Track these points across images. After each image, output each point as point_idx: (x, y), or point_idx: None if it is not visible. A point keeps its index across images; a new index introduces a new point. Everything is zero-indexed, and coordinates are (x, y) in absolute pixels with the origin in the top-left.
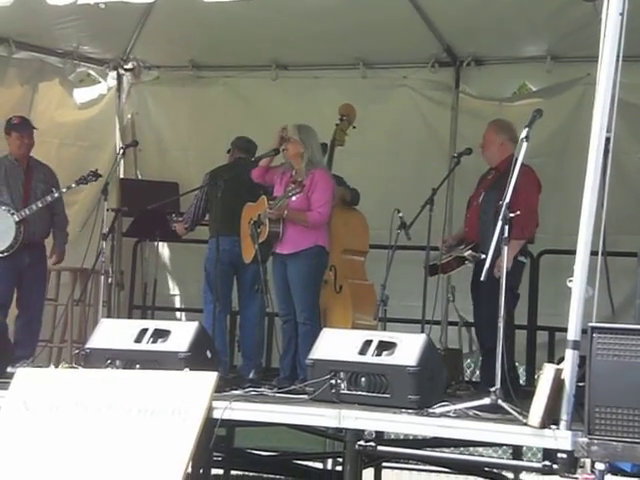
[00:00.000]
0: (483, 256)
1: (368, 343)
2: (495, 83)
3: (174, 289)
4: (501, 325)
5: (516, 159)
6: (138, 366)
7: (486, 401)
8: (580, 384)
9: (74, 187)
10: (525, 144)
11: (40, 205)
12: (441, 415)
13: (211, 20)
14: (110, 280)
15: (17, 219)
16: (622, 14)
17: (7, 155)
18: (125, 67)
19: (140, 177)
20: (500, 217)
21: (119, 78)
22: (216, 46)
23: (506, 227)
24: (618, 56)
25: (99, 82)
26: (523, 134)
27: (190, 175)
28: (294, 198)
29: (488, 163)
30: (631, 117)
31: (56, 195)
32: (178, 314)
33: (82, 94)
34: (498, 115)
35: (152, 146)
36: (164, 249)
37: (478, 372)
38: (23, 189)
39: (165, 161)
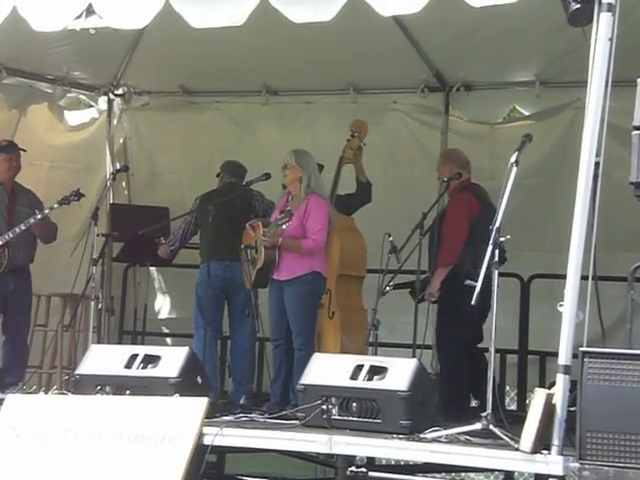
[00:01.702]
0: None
1: (359, 368)
2: (485, 107)
3: (165, 314)
4: (492, 350)
5: (505, 184)
6: (128, 392)
7: (477, 426)
8: (571, 409)
9: (56, 207)
10: (515, 168)
11: (23, 227)
12: (432, 440)
13: (201, 46)
14: (100, 305)
15: (0, 243)
16: (611, 39)
17: None
18: (116, 93)
19: (132, 201)
20: (490, 241)
21: (110, 103)
22: (206, 71)
23: (496, 252)
24: (607, 81)
25: (90, 106)
26: (512, 159)
27: (183, 199)
28: (284, 227)
29: (448, 193)
30: (623, 140)
31: (39, 217)
32: (169, 339)
33: (73, 117)
34: (490, 137)
35: (144, 170)
36: (154, 274)
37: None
38: (7, 213)
39: (157, 185)
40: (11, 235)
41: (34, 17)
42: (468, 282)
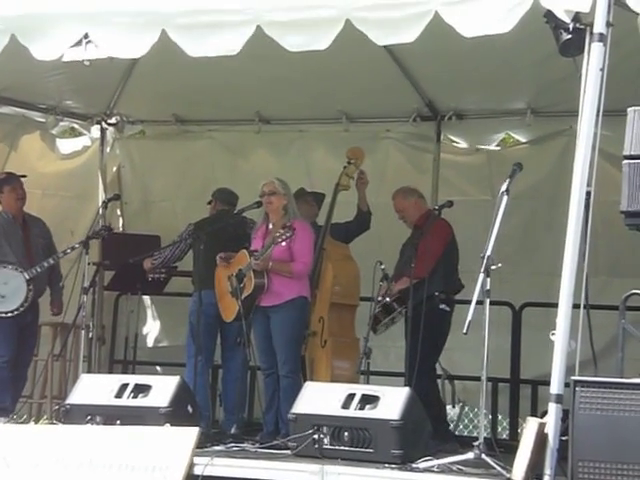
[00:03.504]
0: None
1: (351, 397)
2: (478, 135)
3: (156, 342)
4: (484, 378)
5: (497, 212)
6: (119, 422)
7: (470, 455)
8: (563, 438)
9: (82, 242)
10: (505, 197)
11: (52, 262)
12: (425, 470)
13: (194, 75)
14: (91, 335)
15: (27, 277)
16: (602, 69)
17: (0, 212)
18: (108, 122)
19: (126, 229)
20: (482, 269)
21: (102, 132)
22: (199, 100)
23: (488, 280)
24: (598, 111)
25: (83, 134)
26: (503, 187)
27: (177, 226)
28: (284, 244)
29: (410, 226)
30: (616, 166)
31: (68, 251)
32: (159, 368)
33: (66, 145)
34: (484, 164)
35: (138, 198)
36: (146, 302)
37: (461, 425)
38: (24, 246)
39: (151, 213)
40: (39, 269)
41: (33, 45)
42: (442, 306)
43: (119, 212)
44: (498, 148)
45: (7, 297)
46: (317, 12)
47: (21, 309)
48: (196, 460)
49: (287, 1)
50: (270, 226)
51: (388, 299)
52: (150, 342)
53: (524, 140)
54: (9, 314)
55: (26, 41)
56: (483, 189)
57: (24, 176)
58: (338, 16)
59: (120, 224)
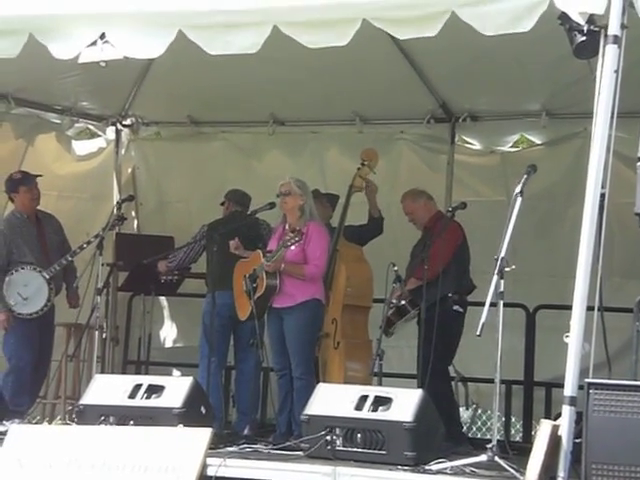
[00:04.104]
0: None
1: (364, 398)
2: (492, 136)
3: (170, 343)
4: (498, 380)
5: (510, 214)
6: (132, 422)
7: (483, 458)
8: (577, 440)
9: (101, 234)
10: (519, 199)
11: (70, 259)
12: (438, 472)
13: (208, 76)
14: (104, 335)
15: (47, 276)
16: (617, 71)
17: (14, 212)
18: (123, 123)
19: (141, 230)
20: (495, 271)
21: (117, 133)
22: (214, 102)
23: (502, 282)
24: (613, 113)
25: (98, 136)
26: (517, 189)
27: (192, 227)
28: (293, 247)
29: (420, 228)
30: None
31: (85, 246)
32: (173, 369)
33: (81, 146)
34: (499, 166)
35: (153, 199)
36: (161, 303)
37: (474, 428)
38: (40, 245)
39: (166, 214)
40: (57, 267)
41: (51, 44)
42: (456, 308)
43: (134, 213)
44: (513, 150)
45: (30, 299)
46: (335, 12)
47: (45, 309)
48: (209, 461)
49: (303, 1)
50: (287, 226)
51: (403, 302)
52: (164, 343)
53: (539, 142)
54: (33, 315)
55: (45, 40)
56: (498, 190)
57: (40, 175)
58: (355, 16)
59: (135, 225)
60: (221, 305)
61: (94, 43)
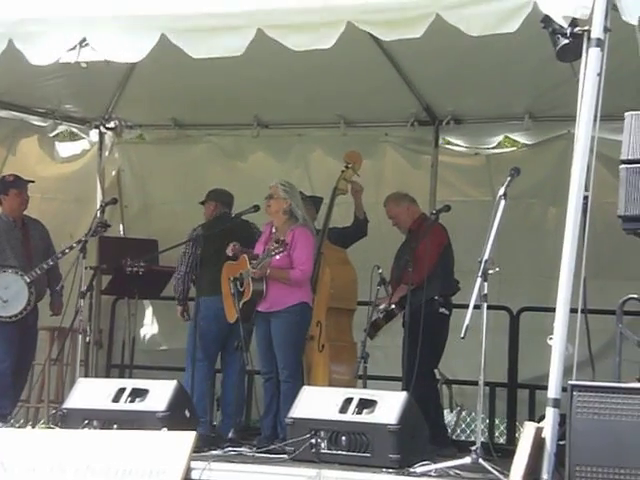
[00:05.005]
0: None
1: (349, 401)
2: (476, 138)
3: (154, 346)
4: (482, 383)
5: (494, 216)
6: (116, 426)
7: (467, 460)
8: (561, 442)
9: (83, 240)
10: (503, 201)
11: (51, 263)
12: (422, 475)
13: (192, 79)
14: (88, 339)
15: (28, 280)
16: (600, 74)
17: (0, 215)
18: (107, 126)
19: (126, 233)
20: (479, 273)
21: (101, 136)
22: (198, 105)
23: (485, 284)
24: (596, 116)
25: (82, 138)
26: (501, 192)
27: (178, 229)
28: (278, 257)
29: (403, 231)
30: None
31: (67, 251)
32: (157, 372)
33: (64, 148)
34: (485, 164)
35: (138, 202)
36: (143, 306)
37: (458, 430)
38: (24, 249)
39: (151, 217)
40: (38, 271)
41: (29, 50)
42: (442, 310)
43: (119, 216)
44: (497, 151)
45: (9, 302)
46: (319, 14)
47: (24, 313)
48: (193, 464)
49: (287, 3)
50: (274, 230)
51: (393, 306)
52: (148, 345)
53: (523, 143)
54: (12, 318)
55: (23, 46)
56: (484, 190)
57: (32, 181)
58: (339, 18)
59: (120, 228)
60: (217, 309)
61: (74, 48)
